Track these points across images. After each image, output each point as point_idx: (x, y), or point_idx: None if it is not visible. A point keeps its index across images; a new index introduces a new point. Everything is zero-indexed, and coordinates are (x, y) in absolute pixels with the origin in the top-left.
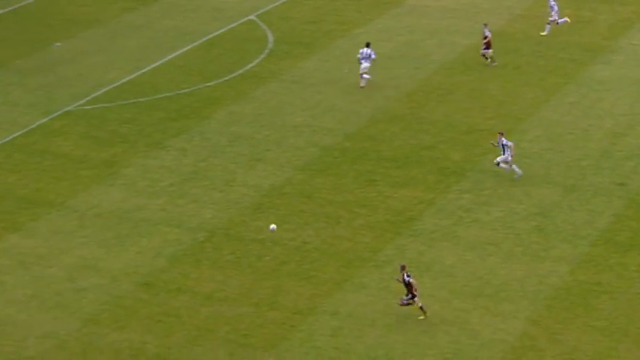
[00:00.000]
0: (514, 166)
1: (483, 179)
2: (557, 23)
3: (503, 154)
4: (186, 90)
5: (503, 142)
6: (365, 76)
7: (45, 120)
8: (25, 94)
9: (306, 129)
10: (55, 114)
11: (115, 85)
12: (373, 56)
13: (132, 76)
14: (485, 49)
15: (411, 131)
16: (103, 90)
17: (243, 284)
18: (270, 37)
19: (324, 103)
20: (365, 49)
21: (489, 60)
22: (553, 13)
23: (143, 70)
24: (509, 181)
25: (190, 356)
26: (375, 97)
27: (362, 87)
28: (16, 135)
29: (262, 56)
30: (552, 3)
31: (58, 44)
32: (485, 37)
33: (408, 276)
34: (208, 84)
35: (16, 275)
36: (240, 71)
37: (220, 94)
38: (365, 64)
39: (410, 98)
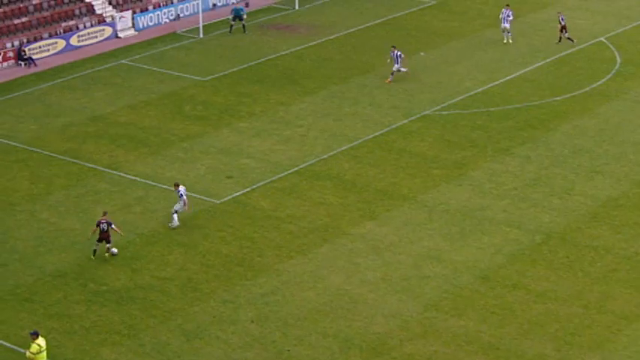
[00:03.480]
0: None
1: None
2: None
3: None
4: (535, 102)
5: None
6: None
7: (405, 121)
8: (389, 97)
9: None
10: (414, 117)
11: (469, 93)
12: None
13: (485, 87)
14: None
15: None
16: (459, 98)
17: (575, 286)
18: (619, 59)
19: None
20: None
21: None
22: None
23: (496, 82)
24: None
25: (520, 348)
26: None
27: None
28: (378, 133)
29: (609, 76)
30: None
31: (423, 54)
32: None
33: None
34: (556, 98)
35: (369, 259)
36: (587, 88)
37: (567, 109)
38: None
39: None
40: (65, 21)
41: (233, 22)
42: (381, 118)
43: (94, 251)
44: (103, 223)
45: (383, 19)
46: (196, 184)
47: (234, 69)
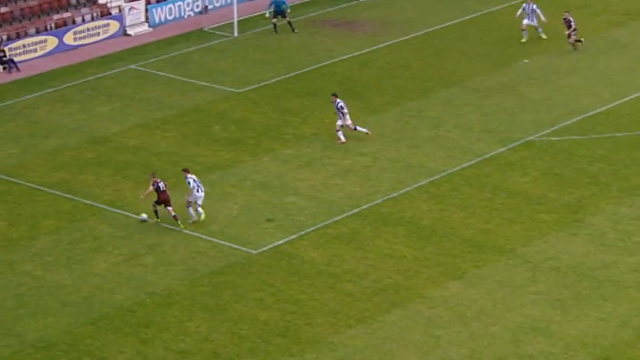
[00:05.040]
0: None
1: None
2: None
3: None
4: None
5: None
6: None
7: (502, 149)
8: (481, 118)
9: None
10: (515, 143)
11: (588, 114)
12: None
13: (610, 105)
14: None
15: None
16: (574, 119)
17: None
18: None
19: None
20: None
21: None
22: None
23: (625, 99)
24: None
25: None
26: None
27: None
28: (466, 165)
29: None
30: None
31: (526, 61)
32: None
33: None
34: None
35: (452, 330)
36: None
37: None
38: None
39: None
40: (58, 12)
41: (274, 20)
42: (471, 145)
43: (156, 212)
44: (159, 182)
45: (474, 15)
46: (227, 228)
47: (278, 78)
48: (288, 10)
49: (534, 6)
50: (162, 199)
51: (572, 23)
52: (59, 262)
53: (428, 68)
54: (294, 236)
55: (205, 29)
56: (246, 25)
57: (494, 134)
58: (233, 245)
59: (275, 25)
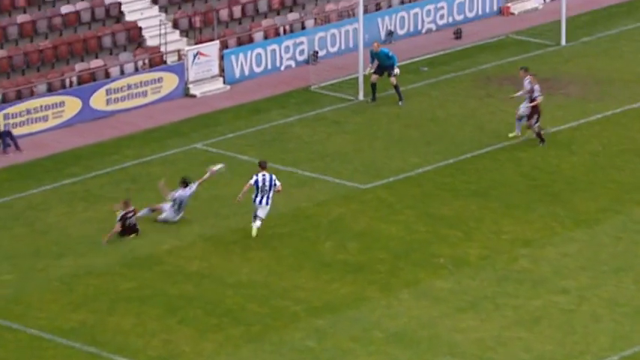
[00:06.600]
0: None
1: None
2: None
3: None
4: None
5: None
6: None
7: None
8: None
9: None
10: None
11: None
12: None
13: None
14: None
15: None
16: None
17: None
18: None
19: None
20: None
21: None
22: None
23: None
24: None
25: None
26: None
27: None
28: None
29: None
30: None
31: None
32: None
33: None
34: None
35: None
36: None
37: None
38: None
39: None
40: (82, 59)
41: (374, 79)
42: None
43: None
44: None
45: None
46: None
47: (427, 167)
48: (396, 71)
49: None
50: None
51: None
52: None
53: None
54: None
55: (314, 88)
56: (379, 83)
57: None
58: None
59: (374, 90)
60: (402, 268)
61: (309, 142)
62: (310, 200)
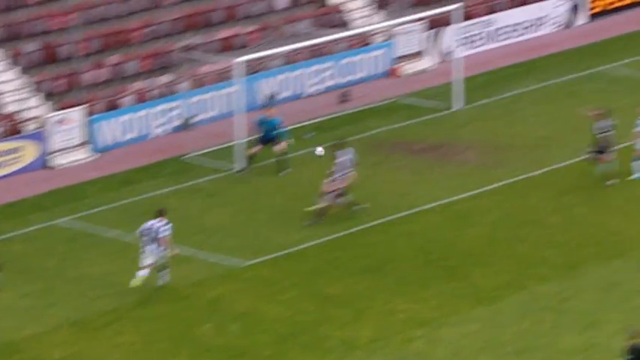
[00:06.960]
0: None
1: None
2: None
3: None
4: None
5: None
6: None
7: None
8: None
9: None
10: None
11: None
12: None
13: None
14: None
15: None
16: None
17: None
18: None
19: None
20: None
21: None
22: None
23: None
24: None
25: None
26: None
27: None
28: None
29: None
30: None
31: None
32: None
33: None
34: None
35: None
36: None
37: None
38: None
39: None
40: None
41: (254, 149)
42: None
43: None
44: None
45: None
46: None
47: (312, 242)
48: (289, 141)
49: None
50: None
51: None
52: None
53: (573, 227)
54: None
55: (188, 157)
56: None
57: None
58: None
59: (251, 157)
60: (288, 351)
61: (185, 216)
62: (187, 279)
